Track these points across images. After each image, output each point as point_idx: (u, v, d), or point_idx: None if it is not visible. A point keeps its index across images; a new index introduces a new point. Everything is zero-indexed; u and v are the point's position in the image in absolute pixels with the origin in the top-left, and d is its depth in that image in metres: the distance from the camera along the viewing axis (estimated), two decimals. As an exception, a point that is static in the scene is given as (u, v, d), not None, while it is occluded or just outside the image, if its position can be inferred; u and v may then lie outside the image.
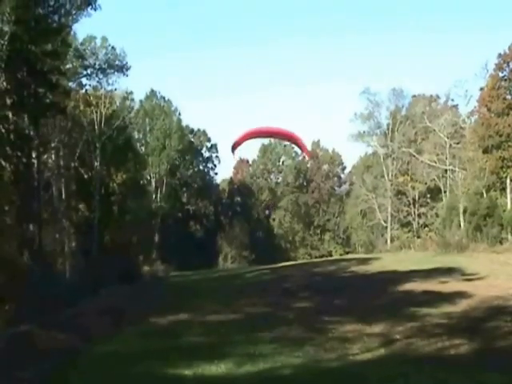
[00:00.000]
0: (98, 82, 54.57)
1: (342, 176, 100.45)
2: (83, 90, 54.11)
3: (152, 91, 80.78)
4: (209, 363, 13.81)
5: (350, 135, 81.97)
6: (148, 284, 42.97)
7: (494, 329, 19.64)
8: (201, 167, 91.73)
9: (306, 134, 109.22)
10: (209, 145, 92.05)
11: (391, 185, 79.77)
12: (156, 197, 76.00)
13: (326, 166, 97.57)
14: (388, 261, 47.72)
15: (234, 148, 26.32)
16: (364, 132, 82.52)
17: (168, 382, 12.50)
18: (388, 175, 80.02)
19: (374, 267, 43.98)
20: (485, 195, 62.44)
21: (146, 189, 70.87)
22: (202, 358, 14.40)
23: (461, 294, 27.58)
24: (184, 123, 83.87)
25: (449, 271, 38.02)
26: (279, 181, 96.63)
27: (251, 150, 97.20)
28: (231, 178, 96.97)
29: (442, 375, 12.44)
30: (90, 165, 51.97)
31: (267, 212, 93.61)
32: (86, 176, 51.89)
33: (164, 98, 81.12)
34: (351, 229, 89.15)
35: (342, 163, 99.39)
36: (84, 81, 54.15)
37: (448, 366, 14.09)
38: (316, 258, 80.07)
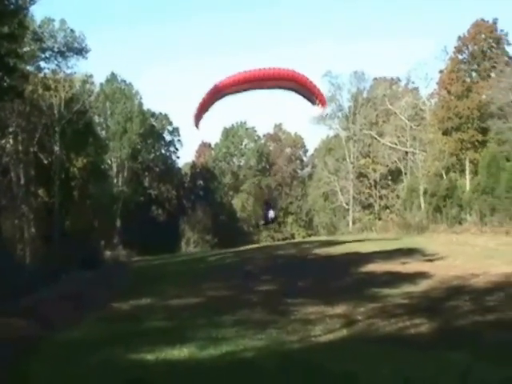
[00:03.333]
0: (56, 65, 53.54)
1: (305, 159, 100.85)
2: (42, 74, 53.03)
3: (112, 74, 79.66)
4: (171, 347, 13.73)
5: (312, 118, 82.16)
6: (110, 269, 42.63)
7: (454, 308, 19.94)
8: (163, 151, 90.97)
9: (268, 117, 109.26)
10: (170, 128, 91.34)
11: (353, 167, 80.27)
12: (117, 181, 75.31)
13: (288, 149, 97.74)
14: (350, 243, 48.01)
15: (202, 109, 17.10)
16: (326, 115, 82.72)
17: (130, 368, 12.40)
18: (350, 158, 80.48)
19: (336, 249, 44.24)
20: (444, 177, 63.27)
21: (107, 173, 70.08)
22: (165, 343, 14.32)
23: (421, 275, 27.93)
24: (145, 107, 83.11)
25: (410, 252, 38.48)
26: (241, 164, 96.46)
27: (213, 134, 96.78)
28: (193, 162, 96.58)
29: (403, 355, 12.56)
30: (50, 149, 51.18)
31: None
32: (45, 161, 51.06)
33: (125, 81, 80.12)
34: (314, 211, 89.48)
35: (305, 146, 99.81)
36: (42, 64, 53.01)
37: (409, 345, 14.25)
38: (279, 240, 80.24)
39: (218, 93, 16.89)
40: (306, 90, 17.23)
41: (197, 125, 16.27)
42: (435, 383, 9.24)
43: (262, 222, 42.67)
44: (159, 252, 57.60)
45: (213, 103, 17.13)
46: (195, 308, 21.88)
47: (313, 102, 16.90)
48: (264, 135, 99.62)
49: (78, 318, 19.51)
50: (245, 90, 16.59)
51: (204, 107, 17.10)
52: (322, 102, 17.20)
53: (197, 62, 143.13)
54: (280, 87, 17.35)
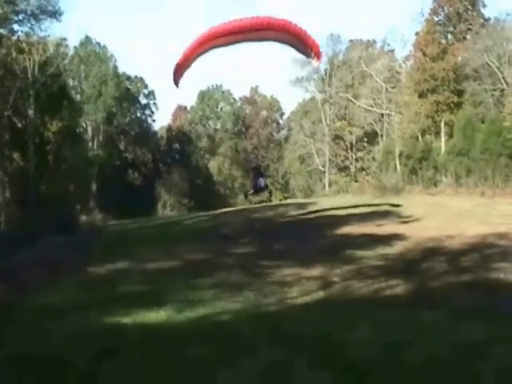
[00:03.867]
0: (30, 28, 52.46)
1: (281, 122, 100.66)
2: (15, 37, 52.13)
3: (87, 37, 78.58)
4: (148, 310, 13.71)
5: (289, 81, 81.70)
6: (86, 233, 42.38)
7: (429, 269, 20.08)
8: (138, 114, 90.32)
9: (244, 81, 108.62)
10: (146, 92, 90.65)
11: (329, 130, 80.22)
12: (93, 145, 74.74)
13: (264, 112, 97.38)
14: (326, 205, 48.11)
15: (184, 64, 16.07)
16: (302, 77, 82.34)
17: (107, 332, 12.35)
18: (326, 120, 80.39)
19: (314, 213, 44.30)
20: (420, 139, 63.54)
21: (82, 137, 69.39)
22: (141, 306, 14.28)
23: (397, 236, 28.08)
24: (120, 70, 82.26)
25: (385, 214, 38.65)
26: (218, 127, 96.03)
27: (189, 97, 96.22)
28: (169, 125, 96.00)
29: (379, 315, 12.64)
30: (24, 113, 50.40)
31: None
32: (19, 125, 50.36)
33: (99, 44, 79.12)
34: (290, 174, 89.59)
35: (281, 109, 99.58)
36: (16, 27, 51.98)
37: (384, 306, 14.35)
38: (255, 203, 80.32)
39: (203, 45, 15.44)
40: (300, 42, 15.78)
41: (177, 81, 14.89)
42: (411, 344, 9.29)
43: (250, 191, 37.26)
44: (135, 216, 57.40)
45: (197, 57, 15.73)
46: (172, 271, 21.81)
47: (307, 55, 15.58)
48: (240, 98, 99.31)
49: (54, 283, 19.39)
50: (233, 42, 15.20)
51: (187, 62, 15.72)
52: (318, 55, 16.00)
53: (173, 23, 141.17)
54: (272, 39, 15.59)
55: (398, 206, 40.95)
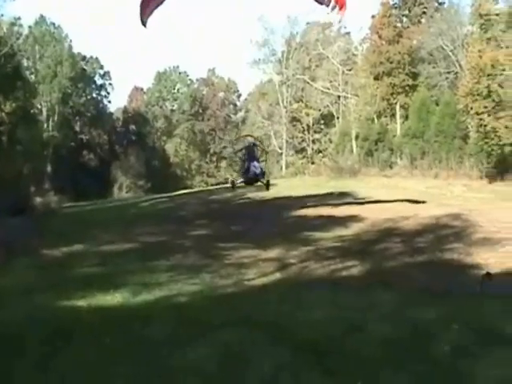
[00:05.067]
0: (-18, 7, 51.45)
1: (238, 103, 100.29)
2: (-33, 16, 50.97)
3: (41, 17, 76.94)
4: (104, 293, 13.59)
5: (246, 63, 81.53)
6: (40, 216, 41.81)
7: (385, 250, 20.37)
8: (94, 95, 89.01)
9: (202, 62, 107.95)
10: (102, 72, 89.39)
11: (286, 112, 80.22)
12: (48, 126, 73.47)
13: (221, 94, 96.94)
14: (283, 187, 48.25)
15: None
16: (259, 59, 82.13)
17: (61, 315, 12.21)
18: (283, 102, 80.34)
19: (269, 193, 44.36)
20: (376, 121, 63.97)
21: (36, 118, 68.09)
22: (97, 289, 14.15)
23: (353, 218, 28.35)
24: (75, 50, 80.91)
25: (342, 196, 38.94)
26: (174, 109, 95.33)
27: (146, 78, 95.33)
28: (125, 107, 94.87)
29: (335, 296, 12.73)
30: (-24, 94, 49.46)
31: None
32: (-28, 105, 49.40)
33: (54, 24, 77.61)
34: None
35: (238, 91, 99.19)
36: (-33, 6, 50.92)
37: (341, 286, 14.47)
38: (212, 185, 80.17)
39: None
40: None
41: (145, 19, 11.00)
42: (367, 324, 9.38)
43: (239, 180, 25.96)
44: (91, 198, 56.81)
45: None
46: (128, 253, 21.70)
47: (327, 4, 11.65)
48: (197, 80, 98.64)
49: (7, 265, 19.10)
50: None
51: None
52: (341, 3, 11.60)
53: (129, 3, 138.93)
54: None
55: (423, 202, 32.84)
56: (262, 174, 23.28)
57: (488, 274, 15.95)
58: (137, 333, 9.11)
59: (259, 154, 25.29)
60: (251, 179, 23.40)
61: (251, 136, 33.90)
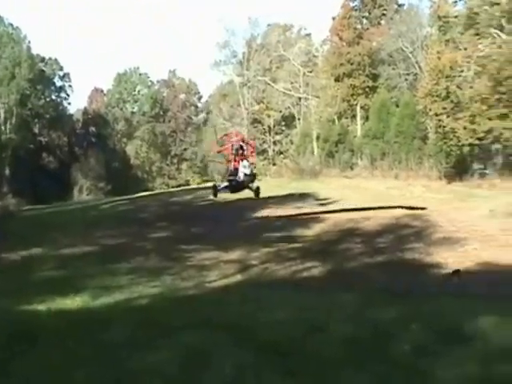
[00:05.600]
0: None
1: (199, 105, 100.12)
2: None
3: (-1, 18, 76.13)
4: (64, 297, 13.40)
5: (207, 64, 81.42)
6: (-2, 219, 41.21)
7: (346, 250, 20.47)
8: (53, 97, 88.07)
9: (163, 63, 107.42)
10: (61, 74, 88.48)
11: (247, 113, 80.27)
12: (5, 128, 72.52)
13: (182, 96, 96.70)
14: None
15: None
16: (220, 61, 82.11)
17: (21, 319, 12.02)
18: (244, 104, 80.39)
19: (230, 195, 44.36)
20: (336, 122, 64.42)
21: (-7, 120, 67.44)
22: (57, 293, 13.94)
23: (314, 219, 28.42)
24: (34, 51, 79.95)
25: (303, 197, 39.08)
26: (135, 110, 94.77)
27: (106, 80, 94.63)
28: (85, 108, 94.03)
29: (296, 297, 12.74)
30: None
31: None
32: None
33: (12, 25, 76.69)
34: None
35: (199, 92, 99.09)
36: None
37: (302, 287, 14.50)
38: (173, 187, 79.85)
39: None
40: None
41: None
42: (327, 324, 9.39)
43: (221, 185, 23.24)
44: (51, 200, 56.11)
45: None
46: (88, 256, 21.46)
47: None
48: (158, 81, 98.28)
49: (-36, 270, 18.76)
50: None
51: None
52: None
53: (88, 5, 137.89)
54: None
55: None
56: (253, 175, 20.97)
57: (457, 271, 16.15)
58: (96, 336, 9.00)
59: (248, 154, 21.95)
60: (239, 184, 20.51)
61: (238, 134, 26.34)
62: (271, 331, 8.73)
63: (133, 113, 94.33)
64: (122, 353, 7.81)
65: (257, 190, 21.59)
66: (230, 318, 10.03)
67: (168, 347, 7.98)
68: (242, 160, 19.37)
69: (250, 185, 21.04)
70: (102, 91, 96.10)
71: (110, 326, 9.80)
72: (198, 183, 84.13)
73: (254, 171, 21.22)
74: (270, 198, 39.13)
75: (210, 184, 60.23)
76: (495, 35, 42.78)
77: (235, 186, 21.25)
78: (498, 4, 42.48)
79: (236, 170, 19.64)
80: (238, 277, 16.64)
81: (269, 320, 9.86)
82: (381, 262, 18.17)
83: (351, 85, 62.41)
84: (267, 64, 79.67)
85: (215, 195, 22.97)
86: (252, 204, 36.71)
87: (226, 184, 21.69)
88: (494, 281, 15.04)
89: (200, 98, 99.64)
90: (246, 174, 19.16)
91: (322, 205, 34.51)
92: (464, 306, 11.02)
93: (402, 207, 29.79)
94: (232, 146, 21.38)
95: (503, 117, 41.43)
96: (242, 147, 21.34)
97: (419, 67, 59.88)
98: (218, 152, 27.89)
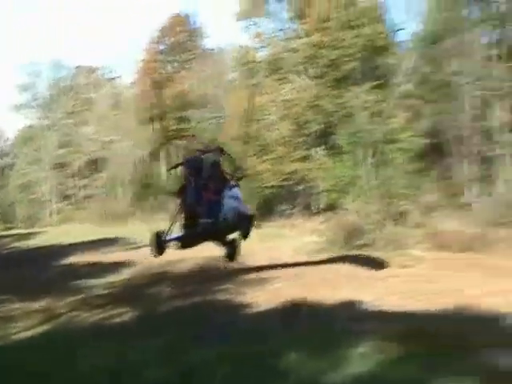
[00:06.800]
0: None
1: (4, 148, 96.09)
2: None
3: None
4: None
5: (10, 107, 78.58)
6: None
7: (156, 294, 20.35)
8: None
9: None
10: None
11: (52, 157, 78.17)
12: None
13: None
14: (51, 234, 46.84)
15: None
16: (21, 104, 79.60)
17: None
18: (49, 147, 78.27)
19: (36, 242, 42.84)
20: (145, 165, 64.33)
21: None
22: None
23: (124, 264, 28.07)
24: None
25: (112, 241, 38.50)
26: None
27: None
28: None
29: (103, 346, 12.44)
30: None
31: None
32: None
33: None
34: (13, 203, 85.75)
35: (4, 135, 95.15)
36: None
37: (112, 334, 14.23)
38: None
39: None
40: None
41: None
42: (135, 369, 9.28)
43: (173, 235, 12.90)
44: None
45: None
46: None
47: None
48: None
49: None
50: None
51: None
52: None
53: None
54: None
55: None
56: (250, 218, 11.82)
57: (295, 304, 16.51)
58: None
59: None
60: (223, 228, 11.86)
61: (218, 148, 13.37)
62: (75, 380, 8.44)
63: None
64: None
65: (234, 246, 12.99)
66: (31, 368, 9.69)
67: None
68: (229, 189, 11.54)
69: (251, 227, 11.83)
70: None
71: None
72: (1, 230, 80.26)
73: (252, 213, 12.91)
74: (78, 243, 38.22)
75: (15, 231, 57.61)
76: (296, 80, 45.02)
77: (201, 235, 12.54)
78: (297, 51, 44.80)
79: (217, 203, 11.38)
80: (45, 327, 16.05)
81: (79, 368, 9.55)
82: (192, 305, 18.24)
83: (162, 127, 62.73)
84: (74, 106, 78.41)
85: (159, 251, 13.10)
86: (58, 250, 35.70)
87: (181, 234, 12.83)
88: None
89: (5, 140, 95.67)
90: (239, 212, 11.32)
91: (132, 249, 34.15)
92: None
93: None
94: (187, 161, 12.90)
95: (304, 159, 43.57)
96: (220, 169, 12.56)
97: (227, 110, 61.46)
98: None
